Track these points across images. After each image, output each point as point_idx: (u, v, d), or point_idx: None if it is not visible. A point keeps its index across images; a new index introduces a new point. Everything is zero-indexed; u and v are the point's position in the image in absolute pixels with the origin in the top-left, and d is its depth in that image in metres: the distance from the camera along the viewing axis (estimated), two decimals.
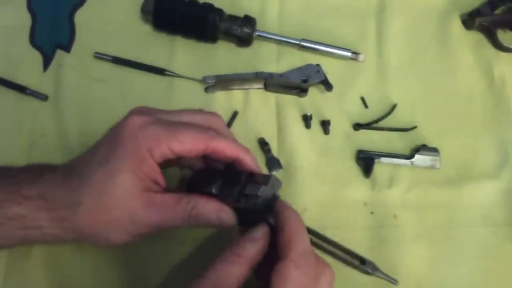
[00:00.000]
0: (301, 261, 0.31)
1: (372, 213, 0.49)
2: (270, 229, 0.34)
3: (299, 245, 0.31)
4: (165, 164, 0.36)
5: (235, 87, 0.53)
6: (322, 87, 0.53)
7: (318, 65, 0.53)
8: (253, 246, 0.32)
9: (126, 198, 0.33)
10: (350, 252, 0.37)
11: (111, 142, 0.35)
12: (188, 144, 0.34)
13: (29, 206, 0.35)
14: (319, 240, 0.38)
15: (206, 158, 0.39)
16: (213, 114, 0.39)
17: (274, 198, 0.35)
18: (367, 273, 0.37)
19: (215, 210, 0.34)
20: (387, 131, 0.53)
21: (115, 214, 0.33)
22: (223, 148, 0.35)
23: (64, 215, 0.34)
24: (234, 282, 0.31)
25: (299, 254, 0.31)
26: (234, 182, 0.35)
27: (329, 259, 0.41)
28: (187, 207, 0.34)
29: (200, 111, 0.48)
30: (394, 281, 0.37)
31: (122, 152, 0.33)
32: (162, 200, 0.34)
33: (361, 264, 0.37)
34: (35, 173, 0.37)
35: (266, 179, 0.34)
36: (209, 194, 0.35)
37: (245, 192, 0.33)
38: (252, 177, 0.35)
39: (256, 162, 0.37)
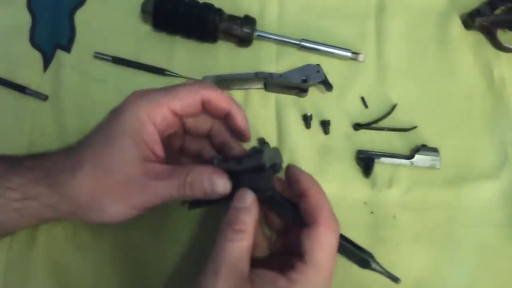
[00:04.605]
0: (331, 223, 0.32)
1: (372, 213, 0.49)
2: (276, 196, 0.35)
3: (328, 208, 0.33)
4: (170, 142, 0.37)
5: (235, 87, 0.53)
6: (322, 87, 0.53)
7: (318, 65, 0.53)
8: (250, 217, 0.33)
9: (123, 163, 0.34)
10: (348, 240, 0.37)
11: (112, 113, 0.36)
12: (185, 98, 0.35)
13: (30, 175, 0.36)
14: None
15: (219, 149, 0.40)
16: (204, 81, 0.41)
17: (278, 167, 0.35)
18: (364, 265, 0.37)
19: (208, 173, 0.35)
20: (387, 131, 0.53)
21: (112, 178, 0.34)
22: (216, 97, 0.36)
23: (63, 179, 0.35)
24: (246, 257, 0.32)
25: (329, 218, 0.32)
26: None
27: None
28: (182, 173, 0.35)
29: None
30: (396, 280, 0.37)
31: (122, 119, 0.35)
32: (159, 169, 0.35)
33: (360, 251, 0.37)
34: (39, 153, 0.39)
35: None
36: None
37: (249, 156, 0.35)
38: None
39: (247, 121, 0.38)
